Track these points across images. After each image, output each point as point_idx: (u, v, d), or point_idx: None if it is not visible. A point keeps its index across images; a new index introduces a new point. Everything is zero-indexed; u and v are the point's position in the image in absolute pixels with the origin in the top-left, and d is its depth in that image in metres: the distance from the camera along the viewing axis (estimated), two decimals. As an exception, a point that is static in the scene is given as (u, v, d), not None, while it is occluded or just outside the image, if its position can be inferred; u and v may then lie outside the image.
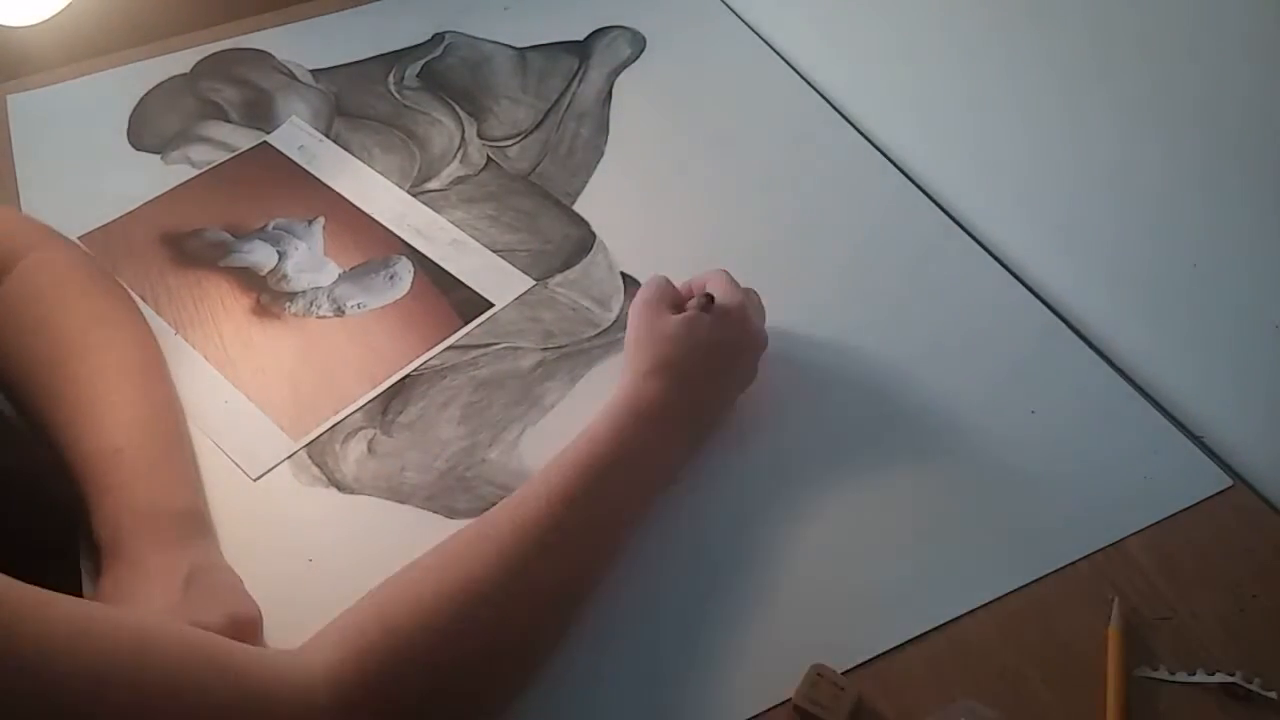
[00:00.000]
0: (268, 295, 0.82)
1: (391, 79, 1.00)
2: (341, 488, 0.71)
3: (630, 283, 0.83)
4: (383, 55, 1.03)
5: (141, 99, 0.98)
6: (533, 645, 0.61)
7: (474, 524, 0.61)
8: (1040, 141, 0.79)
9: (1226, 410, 0.72)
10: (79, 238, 0.85)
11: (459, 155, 0.93)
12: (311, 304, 0.81)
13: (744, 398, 0.73)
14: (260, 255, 0.84)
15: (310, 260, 0.84)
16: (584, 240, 0.86)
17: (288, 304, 0.81)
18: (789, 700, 0.60)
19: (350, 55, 1.03)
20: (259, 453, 0.73)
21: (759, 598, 0.66)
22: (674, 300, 0.72)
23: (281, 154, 0.93)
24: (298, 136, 0.94)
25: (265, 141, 0.94)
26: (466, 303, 0.82)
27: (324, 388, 0.76)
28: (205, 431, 0.73)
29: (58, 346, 0.68)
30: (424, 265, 0.84)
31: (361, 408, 0.75)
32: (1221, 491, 0.70)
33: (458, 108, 0.98)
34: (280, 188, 0.90)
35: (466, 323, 0.80)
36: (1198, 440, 0.73)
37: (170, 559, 0.61)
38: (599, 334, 0.80)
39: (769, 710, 0.61)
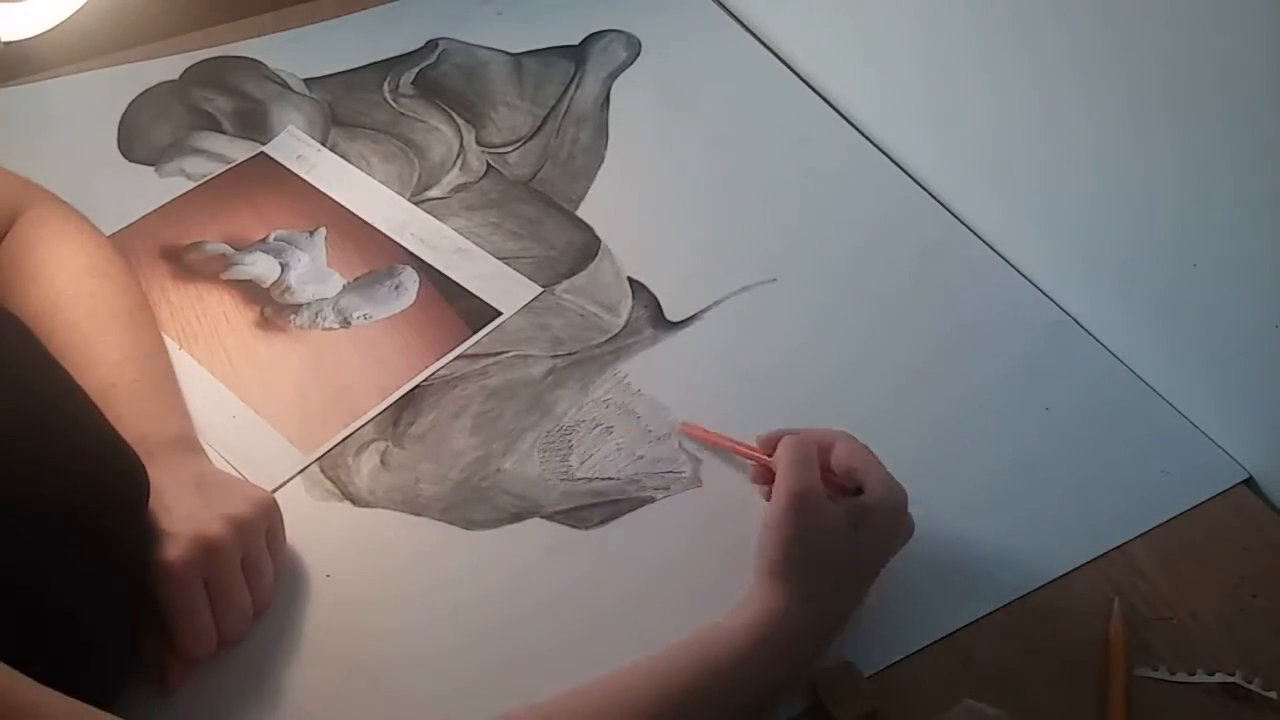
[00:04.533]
0: (272, 308, 0.81)
1: (386, 87, 0.99)
2: (356, 501, 0.70)
3: (638, 288, 0.82)
4: (376, 63, 1.02)
5: (130, 105, 0.96)
6: None
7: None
8: (1042, 139, 0.79)
9: (1225, 410, 0.72)
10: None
11: (458, 163, 0.93)
12: (317, 316, 0.81)
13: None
14: (262, 267, 0.83)
15: (313, 272, 0.83)
16: (589, 246, 0.86)
17: (292, 316, 0.81)
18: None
19: (343, 64, 1.02)
20: (270, 468, 0.72)
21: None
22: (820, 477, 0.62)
23: (280, 164, 0.92)
24: (295, 146, 0.93)
25: (262, 152, 0.93)
26: (473, 311, 0.81)
27: (333, 400, 0.75)
28: (214, 447, 0.72)
29: (53, 293, 0.71)
30: (429, 274, 0.83)
31: (372, 420, 0.74)
32: (1222, 491, 0.70)
33: (455, 115, 0.97)
34: (280, 199, 0.89)
35: (474, 332, 0.80)
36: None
37: (176, 473, 0.64)
38: (608, 340, 0.79)
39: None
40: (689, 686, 0.57)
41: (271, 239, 0.86)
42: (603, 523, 0.69)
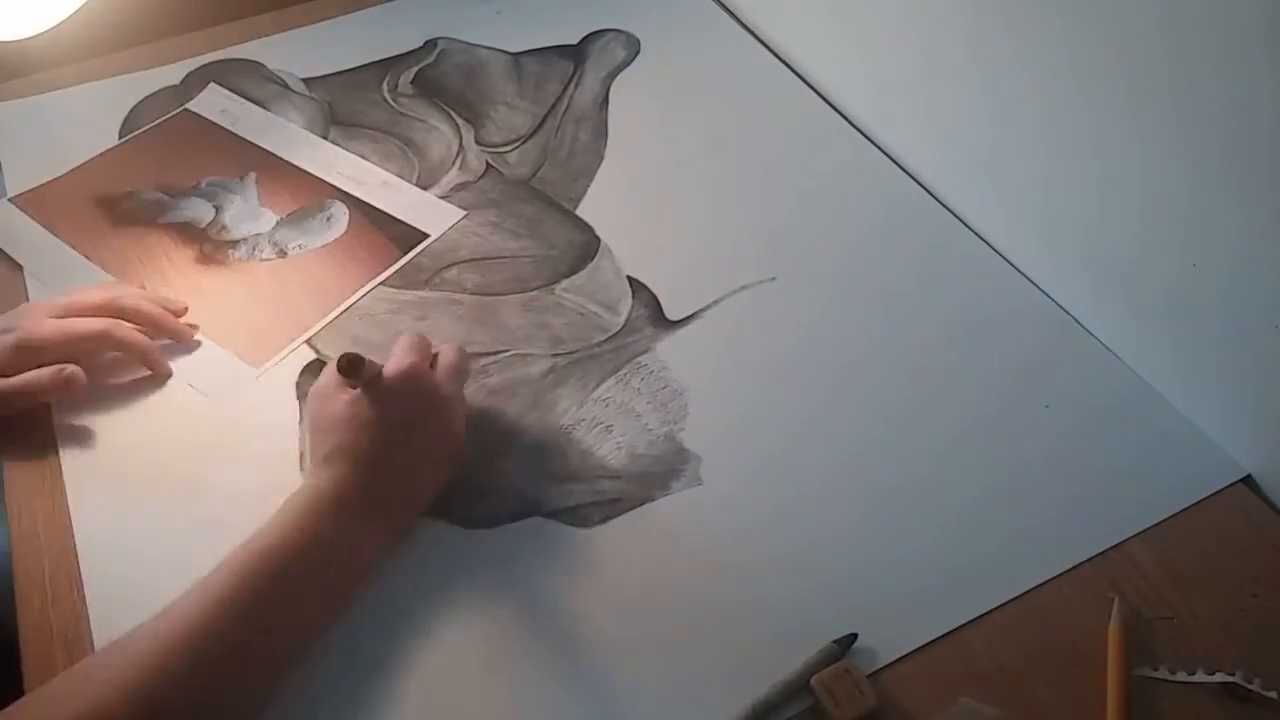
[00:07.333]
0: (210, 245, 0.85)
1: (385, 86, 1.00)
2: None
3: (638, 287, 0.82)
4: (375, 63, 1.02)
5: (131, 110, 0.98)
6: None
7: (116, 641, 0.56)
8: (1040, 138, 0.79)
9: (1224, 408, 0.72)
10: (9, 199, 0.88)
11: (458, 162, 0.93)
12: (254, 249, 0.85)
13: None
14: (197, 210, 0.87)
15: (247, 210, 0.88)
16: (589, 245, 0.86)
17: (231, 251, 0.85)
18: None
19: (342, 63, 1.02)
20: (222, 381, 0.76)
21: (762, 602, 0.65)
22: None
23: (204, 118, 0.96)
24: (219, 102, 0.97)
25: (186, 109, 0.97)
26: (402, 236, 0.86)
27: (278, 319, 0.80)
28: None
29: None
30: (358, 206, 0.88)
31: (316, 334, 0.79)
32: (1221, 490, 0.70)
33: (454, 114, 0.97)
34: (208, 150, 0.93)
35: (404, 254, 0.85)
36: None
37: None
38: (608, 339, 0.79)
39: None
40: (232, 596, 0.57)
41: (203, 185, 0.89)
42: (603, 522, 0.69)
